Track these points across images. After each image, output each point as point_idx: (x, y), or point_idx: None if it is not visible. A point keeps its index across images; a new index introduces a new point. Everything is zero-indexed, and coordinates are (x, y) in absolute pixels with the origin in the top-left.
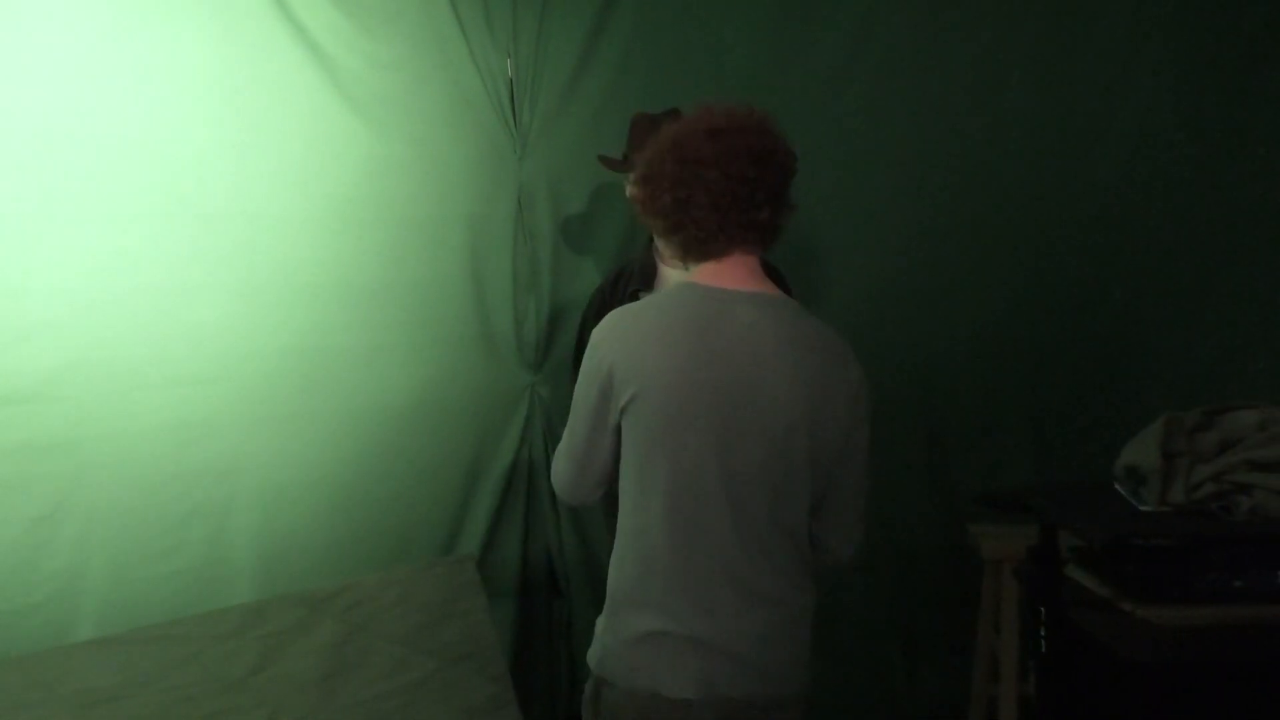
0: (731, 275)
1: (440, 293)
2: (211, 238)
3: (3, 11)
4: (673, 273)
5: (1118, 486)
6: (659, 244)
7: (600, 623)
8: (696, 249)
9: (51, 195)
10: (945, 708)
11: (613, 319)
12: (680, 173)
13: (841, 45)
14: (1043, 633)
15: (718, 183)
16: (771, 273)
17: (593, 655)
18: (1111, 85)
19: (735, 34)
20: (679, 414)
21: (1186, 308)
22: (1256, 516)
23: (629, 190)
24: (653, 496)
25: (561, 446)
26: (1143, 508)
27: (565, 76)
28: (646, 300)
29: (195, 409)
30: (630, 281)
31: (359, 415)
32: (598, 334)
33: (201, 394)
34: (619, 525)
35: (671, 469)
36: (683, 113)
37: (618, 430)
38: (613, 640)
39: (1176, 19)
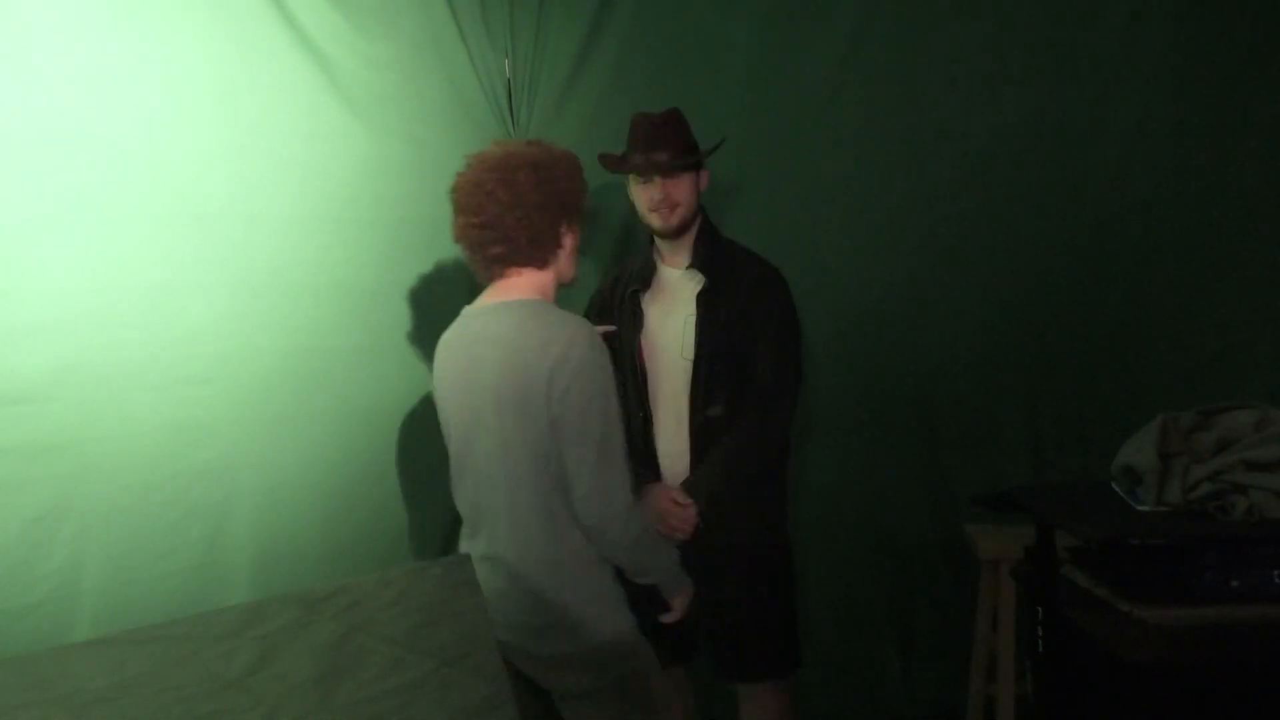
0: (494, 292)
1: (438, 293)
2: (209, 238)
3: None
4: (672, 272)
5: (1114, 487)
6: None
7: None
8: (482, 274)
9: (47, 196)
10: (942, 707)
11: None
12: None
13: (839, 46)
14: (1040, 633)
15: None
16: (770, 272)
17: None
18: (1110, 85)
19: (733, 34)
20: (451, 419)
21: (1184, 308)
22: (1253, 516)
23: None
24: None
25: None
26: (1139, 508)
27: (563, 77)
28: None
29: (193, 409)
30: (629, 282)
31: (357, 416)
32: None
33: (199, 394)
34: None
35: (456, 451)
36: (683, 113)
37: None
38: None
39: (1174, 19)
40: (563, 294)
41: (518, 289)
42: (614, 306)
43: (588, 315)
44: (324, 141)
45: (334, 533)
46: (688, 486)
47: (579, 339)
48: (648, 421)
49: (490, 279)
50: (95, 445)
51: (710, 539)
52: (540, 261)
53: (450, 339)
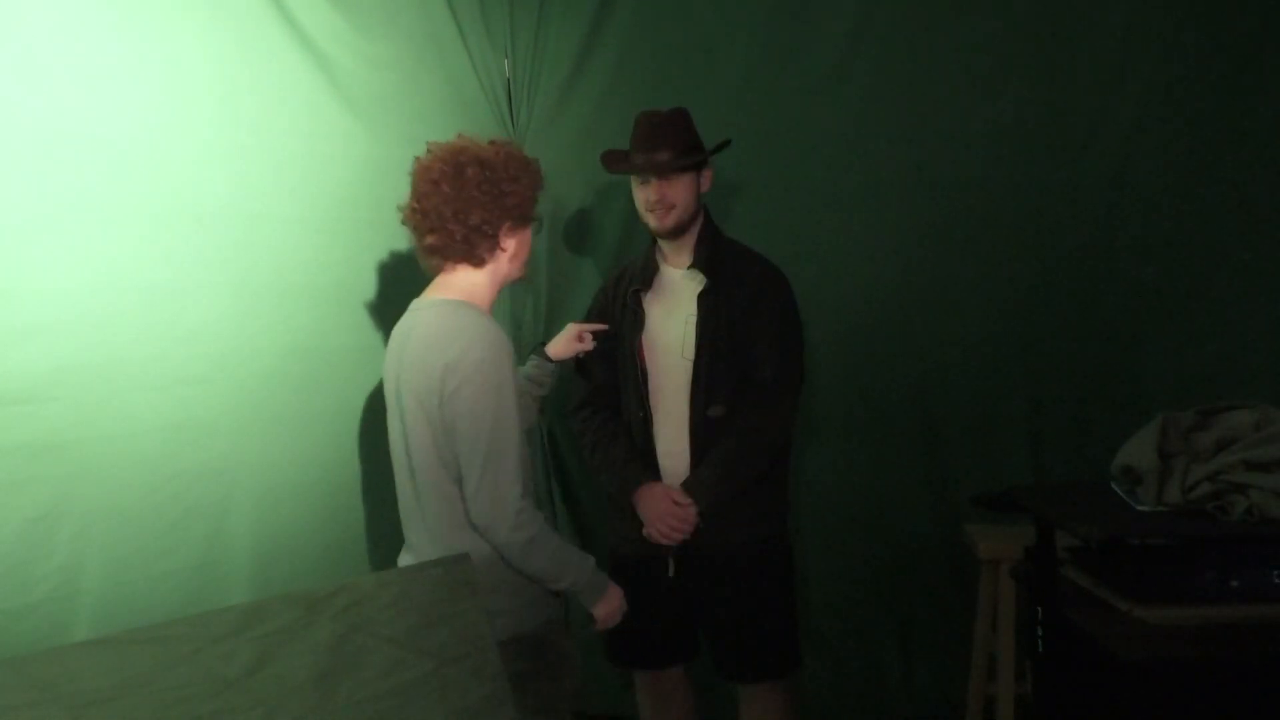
0: (431, 288)
1: None
2: (208, 238)
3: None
4: (673, 272)
5: (1114, 487)
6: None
7: None
8: (422, 264)
9: (47, 196)
10: (942, 707)
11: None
12: None
13: (838, 45)
14: (1040, 632)
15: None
16: (772, 273)
17: None
18: (1109, 85)
19: (732, 34)
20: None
21: (1183, 308)
22: (1252, 516)
23: None
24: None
25: None
26: (1139, 508)
27: (563, 77)
28: None
29: (192, 409)
30: (631, 282)
31: (356, 415)
32: None
33: (199, 394)
34: None
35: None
36: (689, 113)
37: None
38: None
39: (1174, 19)
40: (560, 294)
41: (449, 287)
42: (615, 305)
43: (589, 314)
44: (324, 142)
45: (333, 533)
46: (687, 487)
47: (476, 342)
48: (648, 421)
49: (429, 271)
50: (95, 445)
51: (710, 539)
52: (476, 260)
53: (393, 334)
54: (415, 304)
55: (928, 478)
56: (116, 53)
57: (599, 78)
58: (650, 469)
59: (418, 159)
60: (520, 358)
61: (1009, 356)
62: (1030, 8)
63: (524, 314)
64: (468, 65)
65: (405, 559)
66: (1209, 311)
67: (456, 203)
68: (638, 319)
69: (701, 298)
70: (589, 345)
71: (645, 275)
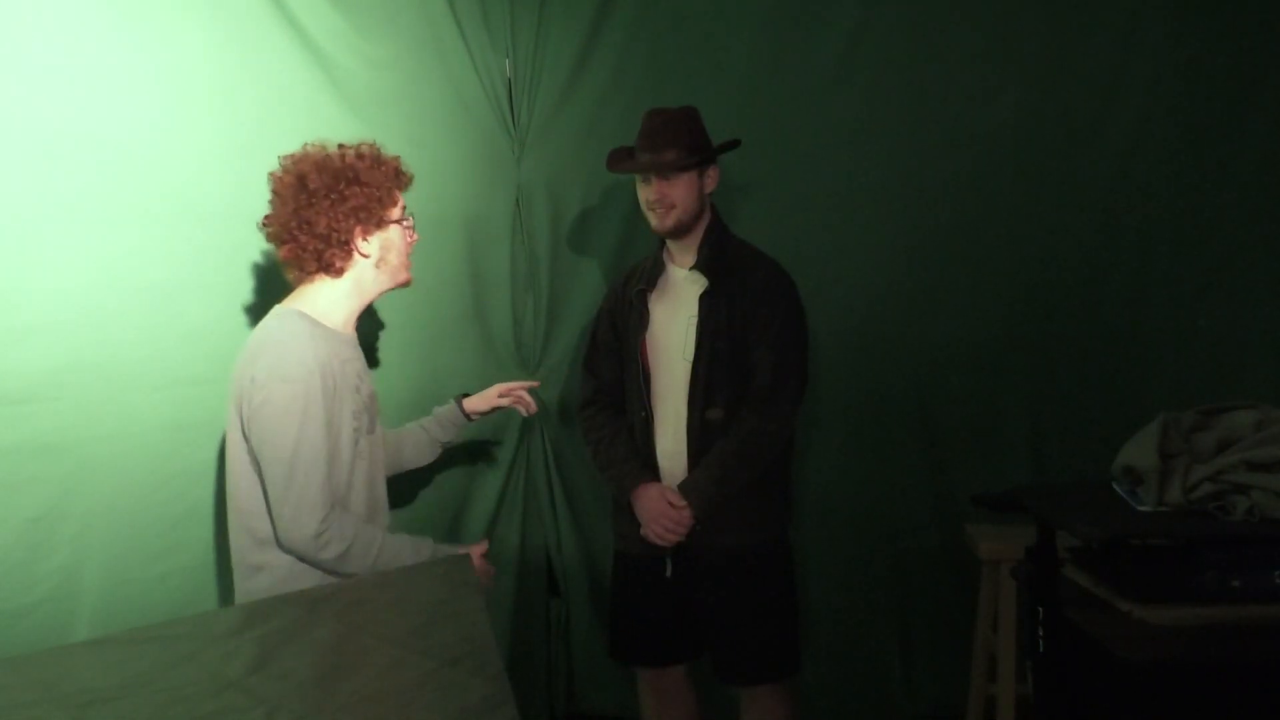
0: (288, 298)
1: (438, 293)
2: (209, 238)
3: (0, 11)
4: (678, 272)
5: (1115, 487)
6: None
7: None
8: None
9: (48, 196)
10: (943, 708)
11: None
12: None
13: (839, 45)
14: (1040, 633)
15: None
16: (776, 275)
17: None
18: (1109, 85)
19: (733, 34)
20: None
21: (1184, 308)
22: (1254, 517)
23: None
24: None
25: None
26: (1140, 508)
27: (564, 76)
28: None
29: (193, 409)
30: (637, 281)
31: None
32: None
33: (200, 394)
34: None
35: None
36: (697, 111)
37: None
38: None
39: (1174, 19)
40: (561, 294)
41: (299, 297)
42: (623, 305)
43: (599, 313)
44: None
45: None
46: (683, 488)
47: (285, 359)
48: (648, 421)
49: (292, 284)
50: (95, 445)
51: (709, 542)
52: (333, 270)
53: None
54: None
55: (928, 477)
56: (117, 53)
57: (600, 78)
58: (649, 469)
59: (270, 173)
60: (521, 358)
61: (1010, 356)
62: (1031, 9)
63: (524, 314)
64: (468, 65)
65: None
66: (1210, 311)
67: (300, 212)
68: (642, 319)
69: (703, 299)
70: (506, 404)
71: (651, 275)
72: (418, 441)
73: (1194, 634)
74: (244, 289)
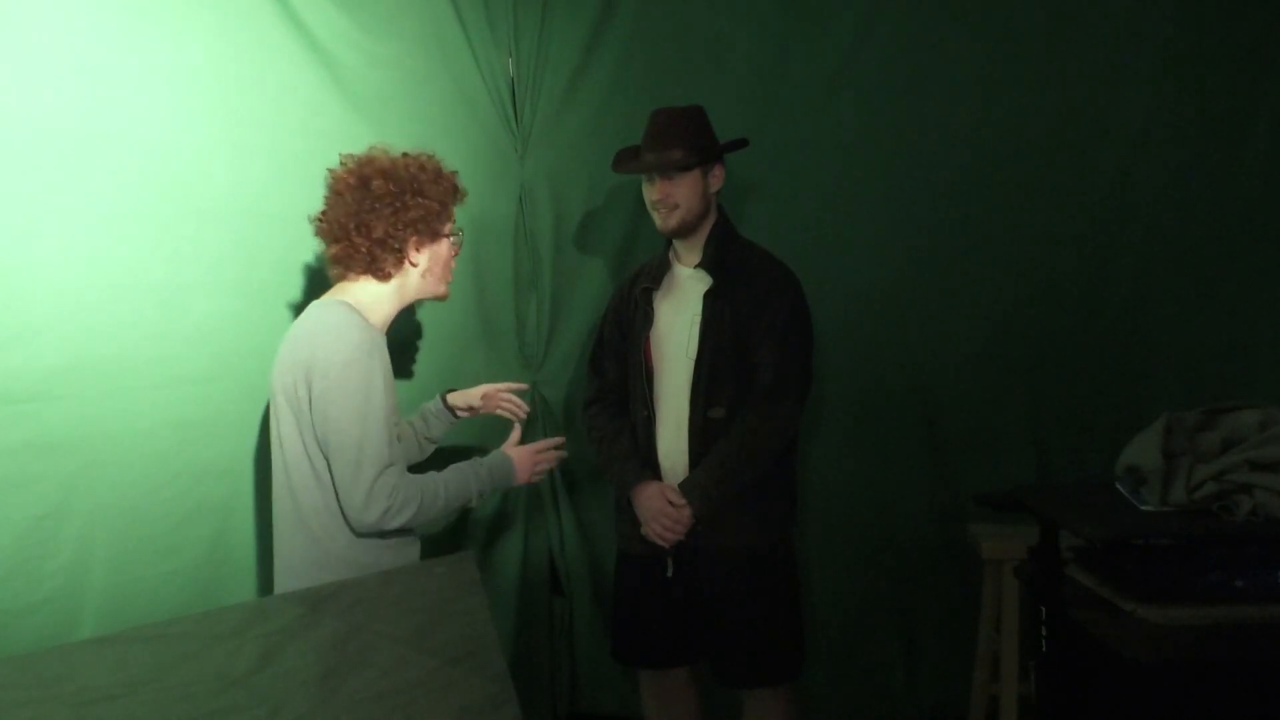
0: (329, 293)
1: None
2: (212, 237)
3: (1, 11)
4: (683, 271)
5: (1118, 486)
6: None
7: None
8: (329, 272)
9: (51, 194)
10: (945, 707)
11: None
12: None
13: (842, 45)
14: (1043, 632)
15: None
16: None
17: None
18: (1112, 84)
19: (736, 33)
20: None
21: (1187, 307)
22: (1257, 516)
23: None
24: None
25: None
26: (1143, 508)
27: (567, 75)
28: None
29: (197, 407)
30: (644, 280)
31: None
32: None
33: (203, 393)
34: None
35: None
36: (703, 110)
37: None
38: None
39: (1176, 18)
40: (564, 293)
41: (341, 291)
42: (630, 303)
43: (607, 311)
44: (328, 140)
45: None
46: (683, 487)
47: (339, 341)
48: (650, 420)
49: (332, 280)
50: (99, 443)
51: (710, 543)
52: (380, 274)
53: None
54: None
55: (931, 477)
56: (121, 52)
57: (603, 77)
58: (650, 468)
59: (330, 170)
60: (524, 357)
61: (1013, 356)
62: (1033, 11)
63: (527, 314)
64: (472, 64)
65: (282, 556)
66: (1213, 311)
67: (360, 215)
68: (647, 317)
69: (707, 298)
70: (493, 408)
71: (657, 274)
72: (406, 439)
73: (1197, 634)
74: (248, 287)
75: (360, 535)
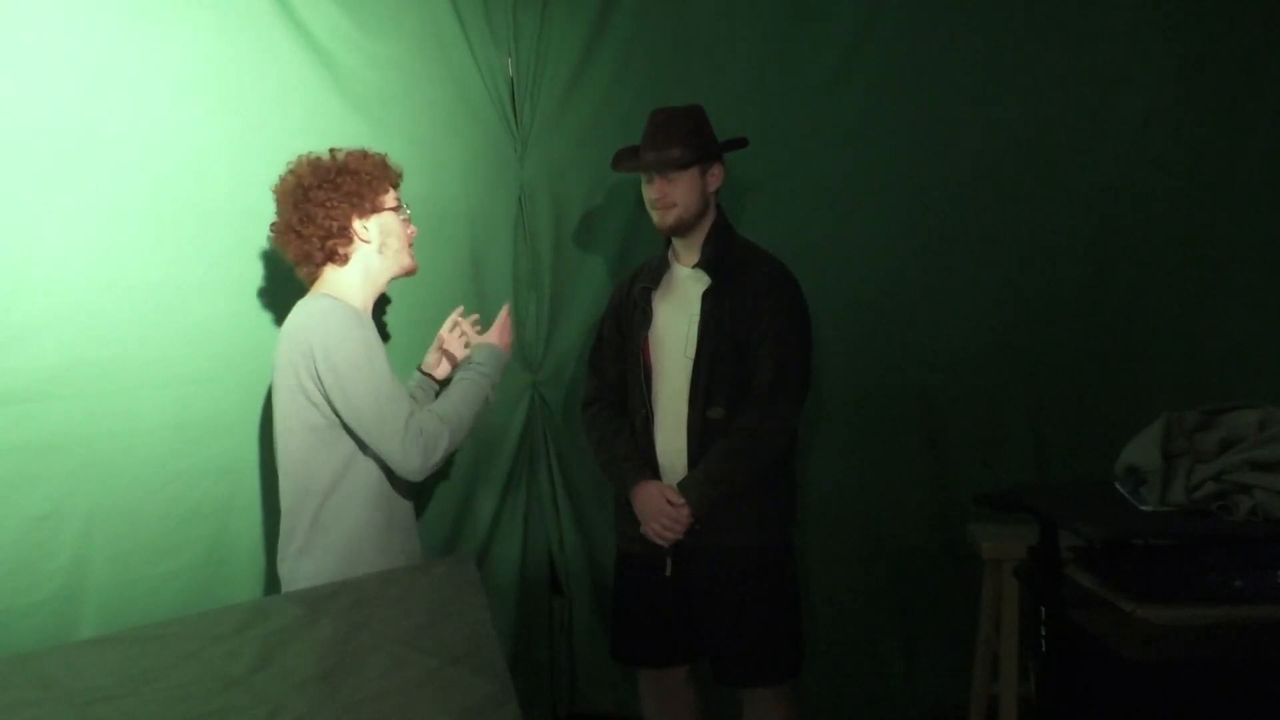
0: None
1: (441, 292)
2: (212, 237)
3: (1, 11)
4: (682, 270)
5: (1118, 486)
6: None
7: None
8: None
9: (50, 194)
10: (945, 707)
11: None
12: None
13: (841, 45)
14: (1043, 632)
15: None
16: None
17: None
18: (1112, 85)
19: (735, 33)
20: None
21: (1187, 308)
22: (1257, 516)
23: None
24: None
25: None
26: (1143, 507)
27: (566, 75)
28: None
29: (196, 408)
30: (642, 279)
31: None
32: None
33: (202, 393)
34: None
35: None
36: (702, 109)
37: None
38: None
39: (1176, 19)
40: (564, 292)
41: (320, 285)
42: (629, 302)
43: (608, 311)
44: (326, 140)
45: None
46: (682, 486)
47: (332, 320)
48: (649, 419)
49: (305, 282)
50: (99, 444)
51: (709, 542)
52: (338, 258)
53: None
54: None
55: (930, 477)
56: (120, 52)
57: (602, 76)
58: (649, 467)
59: (273, 186)
60: (524, 357)
61: (1012, 356)
62: (1033, 12)
63: (527, 313)
64: (471, 64)
65: (287, 552)
66: (1213, 311)
67: (299, 209)
68: (645, 316)
69: (705, 297)
70: (456, 348)
71: (656, 273)
72: None
73: (1196, 634)
74: (247, 287)
75: (418, 483)
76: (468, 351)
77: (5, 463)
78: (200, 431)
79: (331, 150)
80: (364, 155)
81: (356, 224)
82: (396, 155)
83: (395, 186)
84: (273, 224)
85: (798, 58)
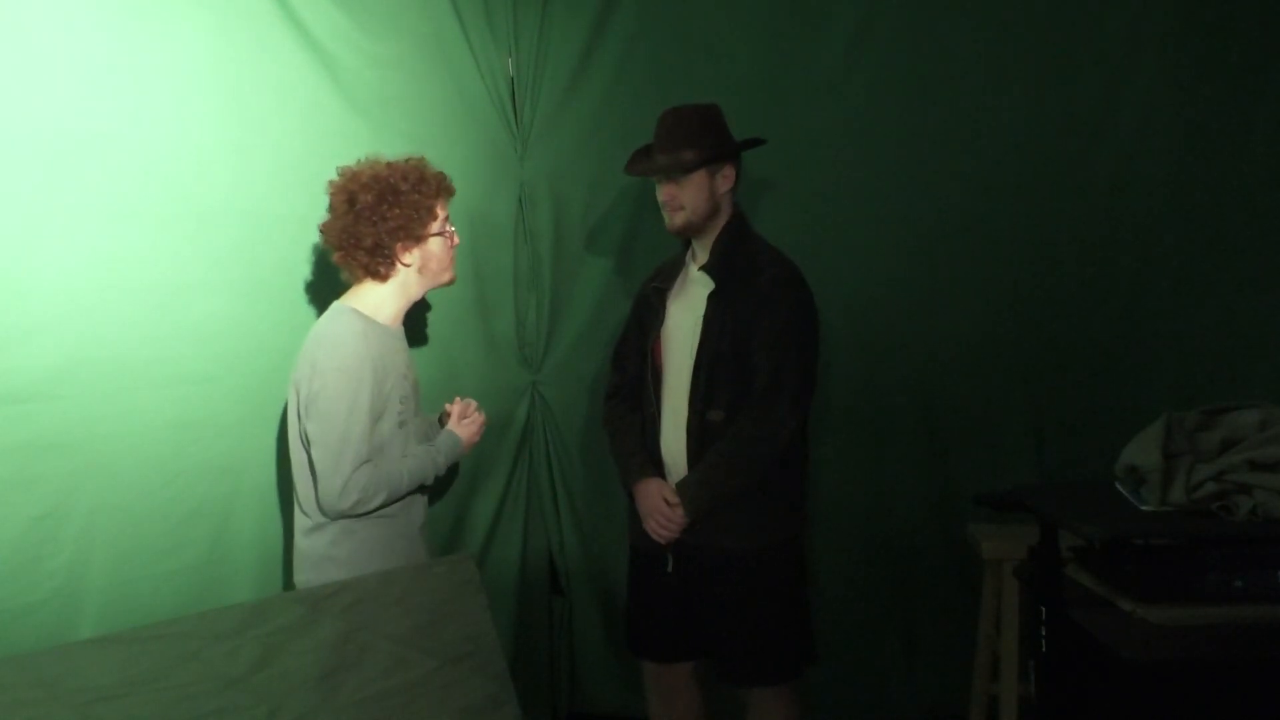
0: (346, 295)
1: (441, 292)
2: (212, 236)
3: (1, 11)
4: (694, 271)
5: (1118, 486)
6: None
7: None
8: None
9: (51, 194)
10: (945, 707)
11: None
12: None
13: (842, 45)
14: (1043, 632)
15: None
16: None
17: None
18: (1112, 85)
19: (736, 33)
20: None
21: (1187, 307)
22: (1257, 516)
23: None
24: None
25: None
26: (1143, 507)
27: (566, 76)
28: None
29: (196, 408)
30: (658, 279)
31: None
32: None
33: (203, 393)
34: None
35: None
36: (715, 109)
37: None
38: None
39: (1176, 19)
40: (564, 293)
41: (353, 295)
42: (644, 302)
43: (632, 308)
44: (327, 141)
45: None
46: (679, 487)
47: (338, 349)
48: (655, 418)
49: (346, 281)
50: (99, 443)
51: (710, 542)
52: (378, 276)
53: None
54: None
55: (931, 477)
56: (120, 52)
57: (602, 77)
58: (654, 464)
59: (330, 182)
60: (524, 357)
61: (1012, 356)
62: (1033, 12)
63: (527, 312)
64: (471, 64)
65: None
66: (1213, 311)
67: (349, 229)
68: (658, 316)
69: (709, 300)
70: (459, 414)
71: (672, 273)
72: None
73: (1196, 634)
74: (248, 287)
75: (331, 520)
76: (465, 426)
77: (5, 463)
78: (200, 431)
79: (389, 166)
80: (420, 181)
81: (400, 254)
82: (397, 155)
83: (448, 201)
84: (323, 225)
85: (798, 58)
